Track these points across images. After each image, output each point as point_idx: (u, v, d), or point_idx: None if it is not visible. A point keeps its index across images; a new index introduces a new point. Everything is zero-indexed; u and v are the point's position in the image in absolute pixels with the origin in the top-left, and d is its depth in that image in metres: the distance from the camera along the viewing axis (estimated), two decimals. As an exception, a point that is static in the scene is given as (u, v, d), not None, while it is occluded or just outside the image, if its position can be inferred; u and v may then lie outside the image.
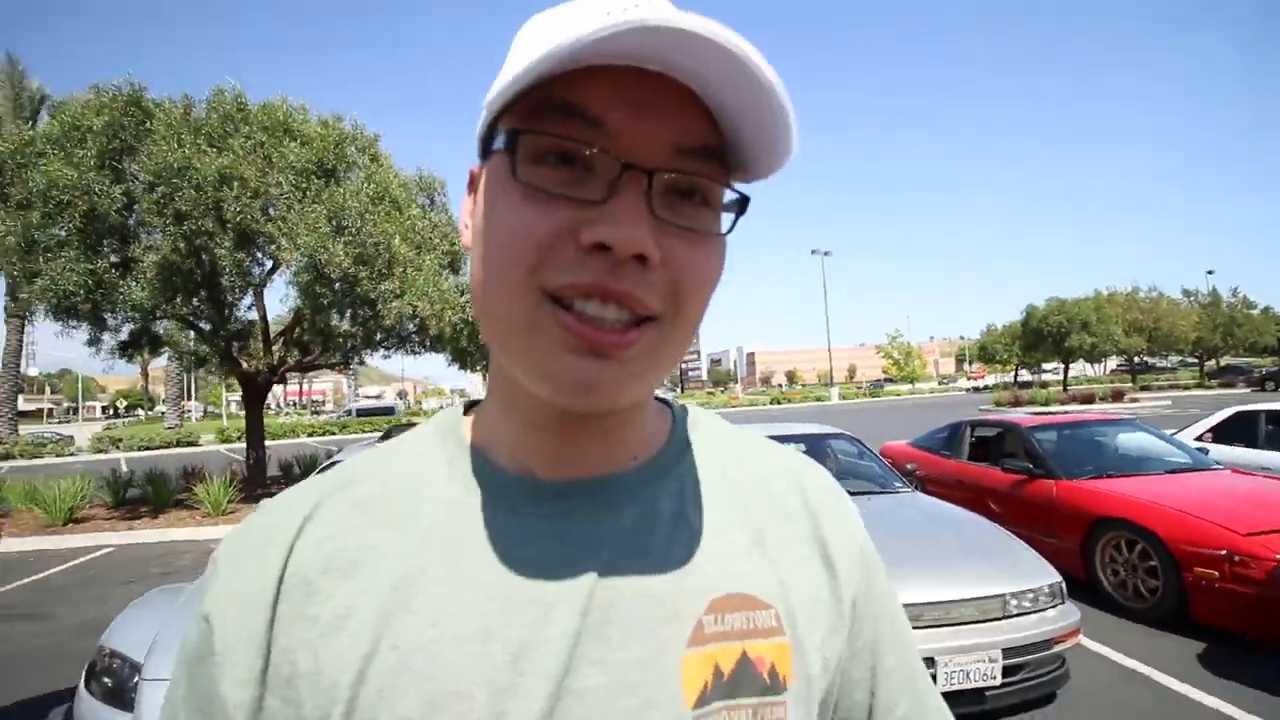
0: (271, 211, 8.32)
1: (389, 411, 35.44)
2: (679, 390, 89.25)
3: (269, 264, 9.27)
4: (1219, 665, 3.60)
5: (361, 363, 12.19)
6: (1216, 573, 3.83)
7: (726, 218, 0.41)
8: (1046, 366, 55.57)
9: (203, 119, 8.44)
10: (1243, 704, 3.17)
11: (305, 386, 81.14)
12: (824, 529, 0.49)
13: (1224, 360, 47.71)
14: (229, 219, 7.97)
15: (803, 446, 5.22)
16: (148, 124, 8.17)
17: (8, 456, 22.44)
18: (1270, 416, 6.43)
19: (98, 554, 7.79)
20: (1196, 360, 47.36)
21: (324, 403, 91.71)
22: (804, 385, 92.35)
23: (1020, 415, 6.50)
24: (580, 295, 0.36)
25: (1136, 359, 45.27)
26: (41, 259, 7.63)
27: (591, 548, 0.42)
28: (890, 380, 67.09)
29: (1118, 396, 30.47)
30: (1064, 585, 3.26)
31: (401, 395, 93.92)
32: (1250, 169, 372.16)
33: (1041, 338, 39.64)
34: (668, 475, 0.47)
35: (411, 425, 5.18)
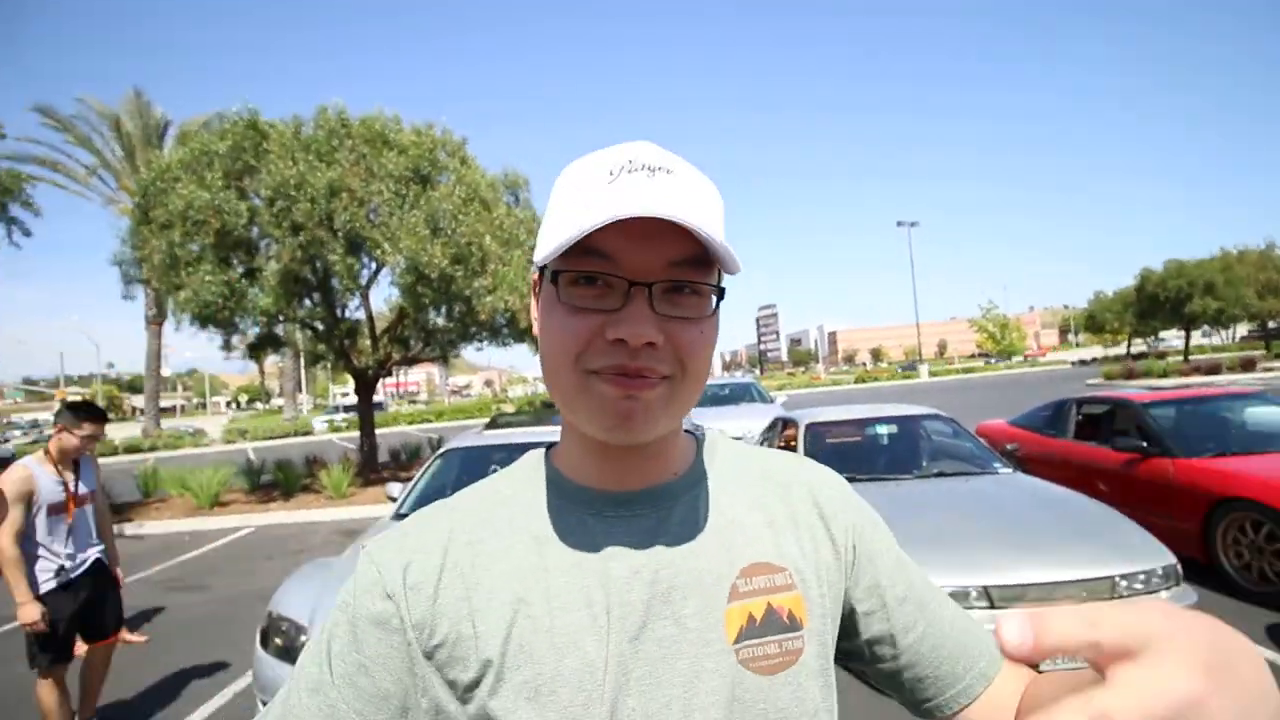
0: (374, 218, 8.96)
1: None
2: (759, 371, 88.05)
3: (374, 267, 9.98)
4: (1363, 654, 3.38)
5: (457, 355, 12.89)
6: (1360, 556, 3.58)
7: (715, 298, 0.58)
8: (1164, 335, 51.01)
9: (311, 136, 9.17)
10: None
11: (401, 378, 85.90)
12: (820, 507, 0.66)
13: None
14: (338, 227, 8.66)
15: (894, 429, 5.20)
16: (264, 144, 8.97)
17: (153, 448, 25.26)
18: None
19: (241, 533, 8.76)
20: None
21: (418, 392, 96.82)
22: (890, 363, 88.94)
23: (1133, 390, 6.14)
24: (611, 373, 0.53)
25: (1271, 324, 40.74)
26: (184, 273, 8.57)
27: (653, 538, 0.60)
28: (985, 356, 63.46)
29: (1248, 366, 27.64)
30: (1179, 567, 3.16)
31: (488, 384, 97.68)
32: None
33: (1158, 304, 36.44)
34: (700, 483, 0.64)
35: (512, 414, 5.49)
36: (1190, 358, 36.03)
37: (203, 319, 8.81)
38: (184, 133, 13.18)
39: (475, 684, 0.55)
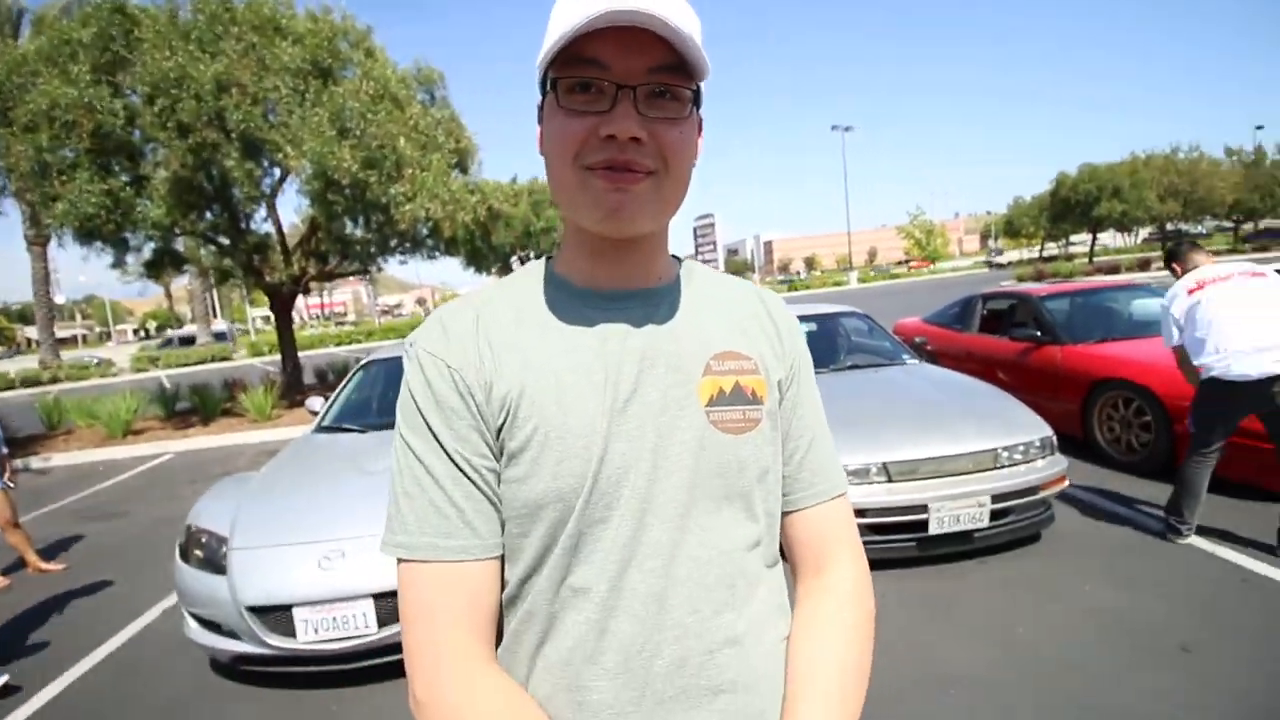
0: (272, 118, 8.21)
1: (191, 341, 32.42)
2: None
3: (277, 173, 9.26)
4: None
5: (380, 269, 12.33)
6: (1207, 423, 4.03)
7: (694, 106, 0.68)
8: (1075, 239, 53.95)
9: (190, 22, 8.17)
10: (1207, 537, 3.48)
11: (326, 299, 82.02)
12: (776, 322, 0.81)
13: (1262, 224, 45.73)
14: (232, 128, 7.90)
15: (814, 326, 5.38)
16: (135, 32, 7.94)
17: (55, 380, 23.53)
18: None
19: (160, 460, 8.44)
20: (1233, 225, 45.57)
21: (345, 314, 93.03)
22: (823, 271, 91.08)
23: (1033, 286, 6.54)
24: (604, 167, 0.63)
25: (1170, 226, 43.61)
26: (56, 182, 7.72)
27: (641, 325, 0.72)
28: (907, 262, 65.78)
29: (1144, 266, 29.79)
30: (1055, 439, 3.49)
31: (420, 302, 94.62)
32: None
33: (1070, 207, 38.24)
34: (681, 290, 0.77)
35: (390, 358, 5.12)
36: (1094, 260, 38.38)
37: (85, 234, 8.06)
38: (40, 19, 11.44)
39: (500, 426, 0.68)
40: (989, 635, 2.78)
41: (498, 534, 0.69)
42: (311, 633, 2.64)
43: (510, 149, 24.62)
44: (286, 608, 2.64)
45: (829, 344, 5.44)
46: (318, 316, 79.47)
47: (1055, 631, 2.77)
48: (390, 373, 4.49)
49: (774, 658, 0.74)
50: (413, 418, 0.69)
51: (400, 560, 0.67)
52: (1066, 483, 3.44)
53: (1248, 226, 45.14)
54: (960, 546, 3.34)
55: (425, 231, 9.81)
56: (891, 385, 4.24)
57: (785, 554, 0.81)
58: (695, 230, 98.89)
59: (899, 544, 3.29)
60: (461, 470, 0.67)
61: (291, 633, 2.65)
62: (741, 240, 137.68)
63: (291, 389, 11.05)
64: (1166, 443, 4.28)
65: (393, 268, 12.55)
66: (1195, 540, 3.47)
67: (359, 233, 9.93)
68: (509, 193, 22.74)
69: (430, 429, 0.68)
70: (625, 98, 0.61)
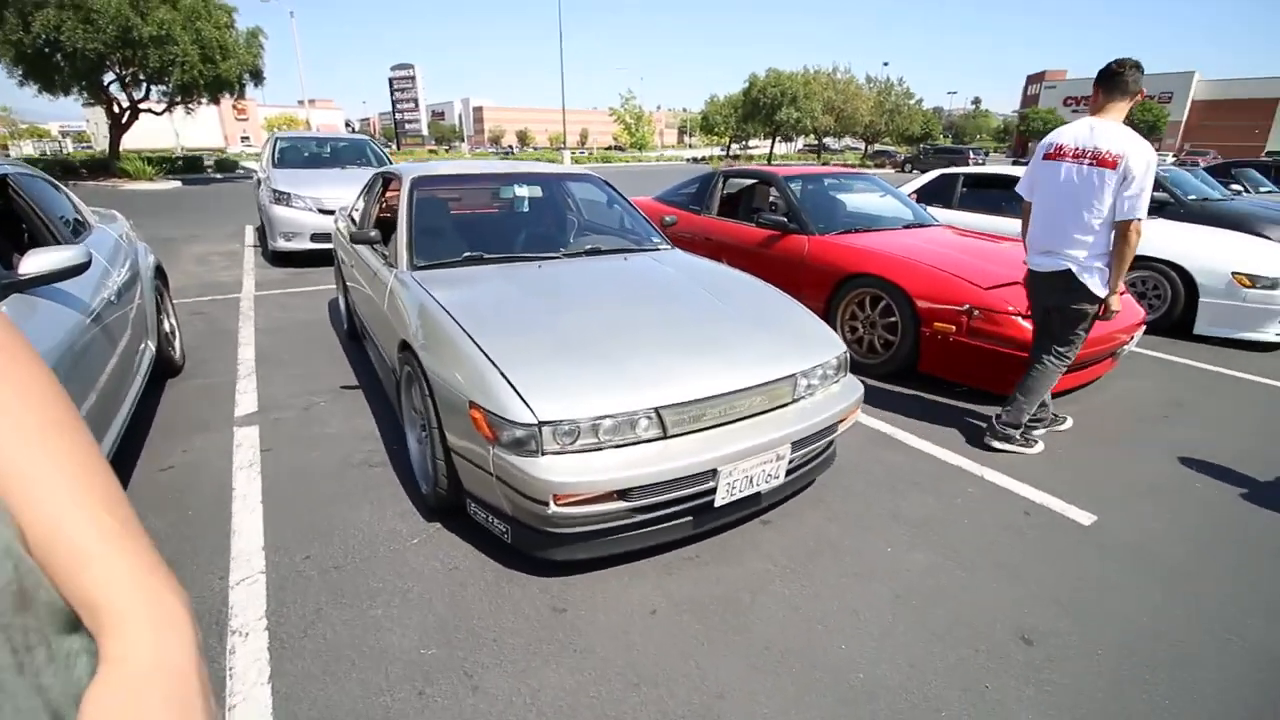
0: None
1: None
2: (395, 146, 78.00)
3: None
4: (933, 413, 3.63)
5: None
6: (954, 326, 3.73)
7: None
8: (754, 142, 60.18)
9: None
10: (947, 444, 3.16)
11: None
12: None
13: (877, 146, 56.23)
14: None
15: (536, 191, 3.91)
16: None
17: None
18: (967, 180, 6.84)
19: None
20: (864, 143, 55.23)
21: None
22: (535, 148, 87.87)
23: (780, 167, 5.93)
24: None
25: (826, 139, 51.06)
26: None
27: None
28: (620, 148, 66.85)
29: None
30: (849, 355, 2.69)
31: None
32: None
33: (759, 108, 41.75)
34: None
35: None
36: (772, 162, 43.18)
37: None
38: None
39: None
40: (794, 661, 1.87)
41: None
42: None
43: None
44: None
45: (557, 219, 4.04)
46: None
47: (885, 639, 1.97)
48: None
49: None
50: None
51: None
52: (860, 412, 2.70)
53: (875, 146, 55.18)
54: (743, 512, 2.40)
55: None
56: (647, 283, 3.05)
57: None
58: (391, 82, 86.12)
59: (670, 526, 2.19)
60: None
61: None
62: (449, 103, 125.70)
63: None
64: (911, 345, 3.94)
65: None
66: (965, 464, 3.09)
67: None
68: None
69: None
70: None
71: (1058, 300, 2.99)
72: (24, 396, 0.44)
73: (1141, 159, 2.67)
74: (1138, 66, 2.77)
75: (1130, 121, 2.87)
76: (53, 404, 0.46)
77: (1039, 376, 3.13)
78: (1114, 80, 2.80)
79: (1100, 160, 2.75)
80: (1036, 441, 3.27)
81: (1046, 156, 2.95)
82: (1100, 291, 2.87)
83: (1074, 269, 2.88)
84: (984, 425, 3.38)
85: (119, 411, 2.59)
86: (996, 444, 3.24)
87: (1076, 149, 2.83)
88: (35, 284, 2.18)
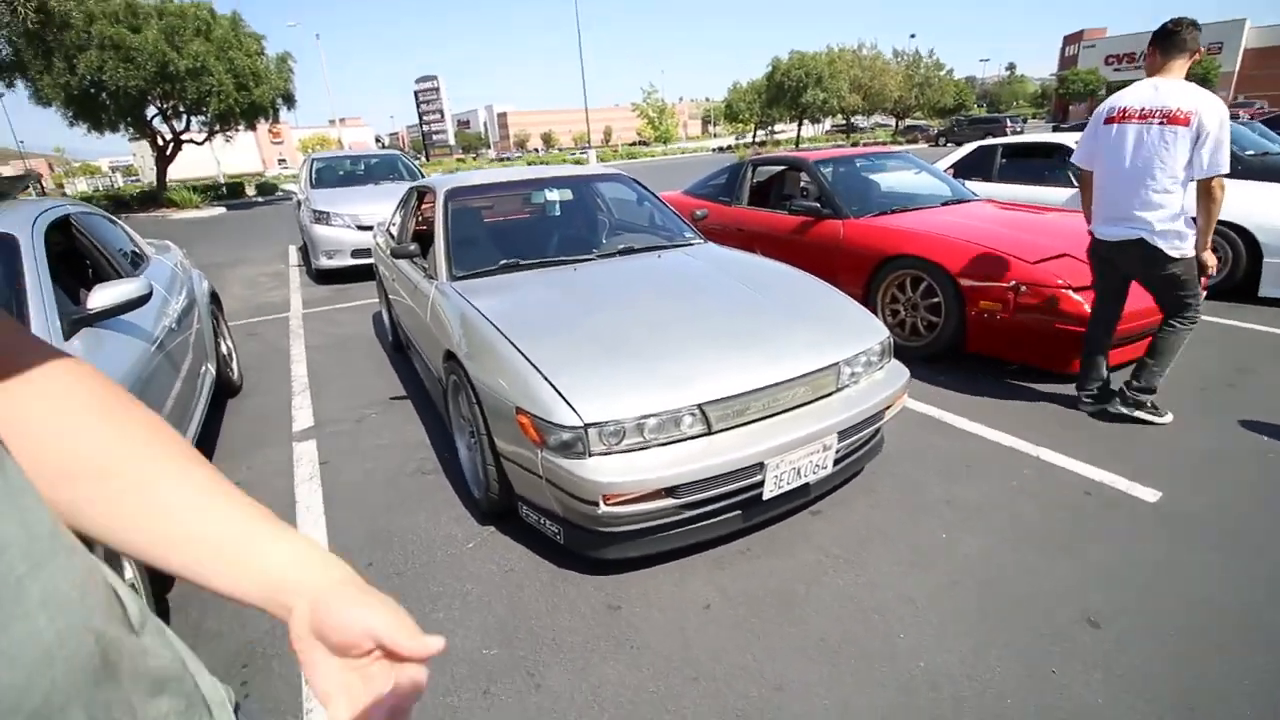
0: None
1: None
2: (424, 158, 79.33)
3: None
4: (983, 394, 3.54)
5: None
6: (1001, 304, 3.63)
7: None
8: (779, 127, 59.27)
9: None
10: (1003, 426, 3.08)
11: None
12: None
13: (907, 121, 54.84)
14: None
15: (567, 194, 3.95)
16: None
17: None
18: (1006, 150, 6.62)
19: None
20: (894, 119, 53.89)
21: None
22: (560, 149, 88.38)
23: (809, 151, 5.85)
24: None
25: (854, 119, 50.00)
26: None
27: None
28: (644, 143, 66.67)
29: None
30: (892, 339, 2.64)
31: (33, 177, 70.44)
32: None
33: (783, 92, 41.16)
34: None
35: None
36: (800, 146, 42.53)
37: None
38: None
39: None
40: (854, 648, 1.86)
41: None
42: None
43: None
44: None
45: (588, 220, 4.07)
46: None
47: (944, 624, 1.95)
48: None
49: None
50: None
51: None
52: (906, 397, 2.66)
53: (905, 122, 53.80)
54: (793, 504, 2.39)
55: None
56: (682, 279, 3.05)
57: None
58: (417, 95, 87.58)
59: (719, 521, 2.20)
60: None
61: None
62: (473, 111, 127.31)
63: None
64: (956, 325, 3.85)
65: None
66: (1019, 444, 3.01)
67: None
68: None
69: None
70: None
71: (1142, 272, 2.95)
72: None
73: (1214, 114, 2.63)
74: (1194, 24, 2.76)
75: (1186, 79, 2.80)
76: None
77: (1168, 337, 3.03)
78: (1171, 39, 2.78)
79: (1171, 118, 2.71)
80: (1166, 411, 3.16)
81: (1108, 120, 2.92)
82: (1175, 254, 2.81)
83: (1145, 236, 2.84)
84: (1081, 397, 3.29)
85: (187, 433, 2.72)
86: (1127, 411, 3.15)
87: (1144, 109, 2.80)
88: (102, 318, 2.31)
